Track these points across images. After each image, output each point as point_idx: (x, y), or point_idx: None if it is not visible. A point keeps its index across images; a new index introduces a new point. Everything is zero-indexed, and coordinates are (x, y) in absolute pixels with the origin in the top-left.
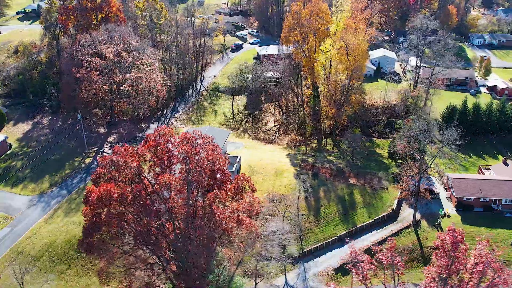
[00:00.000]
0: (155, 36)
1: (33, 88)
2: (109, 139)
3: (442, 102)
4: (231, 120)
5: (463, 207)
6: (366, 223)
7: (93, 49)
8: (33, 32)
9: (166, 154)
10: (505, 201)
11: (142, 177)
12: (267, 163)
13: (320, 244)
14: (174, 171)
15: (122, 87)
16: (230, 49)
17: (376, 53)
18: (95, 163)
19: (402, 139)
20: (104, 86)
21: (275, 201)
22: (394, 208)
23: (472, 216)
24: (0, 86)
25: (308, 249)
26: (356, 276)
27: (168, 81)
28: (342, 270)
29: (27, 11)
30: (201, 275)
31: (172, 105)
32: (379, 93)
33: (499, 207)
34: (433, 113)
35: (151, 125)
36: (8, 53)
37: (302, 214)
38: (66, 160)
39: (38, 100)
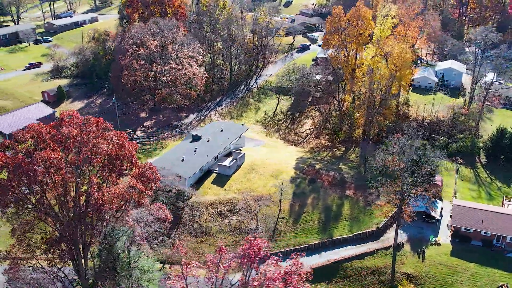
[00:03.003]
0: (212, 32)
1: (99, 72)
2: (145, 123)
3: (503, 123)
4: (269, 119)
5: (459, 238)
6: (343, 236)
7: (140, 39)
8: None
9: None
10: (511, 239)
11: (30, 152)
12: (270, 163)
13: (287, 249)
14: (72, 151)
15: (160, 77)
16: (296, 50)
17: (443, 64)
18: None
19: (381, 155)
20: (148, 75)
21: (247, 200)
22: (380, 226)
23: (466, 249)
24: (74, 67)
25: (275, 251)
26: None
27: (206, 75)
28: None
29: None
30: (71, 243)
31: (219, 98)
32: (425, 107)
33: (502, 244)
34: (484, 133)
35: (191, 115)
36: (87, 39)
37: (282, 218)
38: None
39: (101, 82)
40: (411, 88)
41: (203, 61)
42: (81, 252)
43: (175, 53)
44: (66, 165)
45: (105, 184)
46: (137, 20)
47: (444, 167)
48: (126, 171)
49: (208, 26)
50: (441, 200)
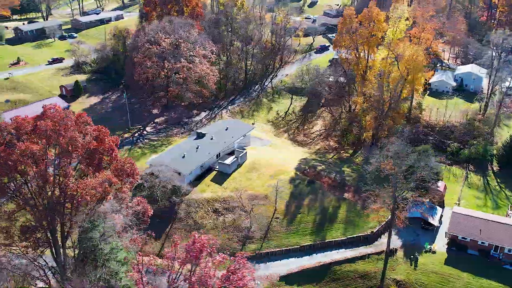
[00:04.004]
0: (229, 32)
1: (118, 68)
2: (156, 120)
3: None
4: (280, 119)
5: (456, 246)
6: (336, 239)
7: (153, 37)
8: None
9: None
10: (509, 250)
11: (12, 143)
12: (272, 163)
13: (278, 249)
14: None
15: (171, 74)
16: (315, 50)
17: (463, 68)
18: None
19: (375, 159)
20: (161, 72)
21: (240, 198)
22: (375, 231)
23: (461, 259)
24: (93, 63)
25: (266, 251)
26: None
27: (217, 73)
28: (288, 279)
29: None
30: (48, 232)
31: (233, 97)
32: (438, 111)
33: (500, 255)
34: (499, 140)
35: (202, 113)
36: (109, 36)
37: (276, 217)
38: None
39: (119, 79)
40: (428, 92)
41: (217, 59)
42: (60, 241)
43: (187, 51)
44: (46, 156)
45: (84, 176)
46: (155, 18)
47: (452, 174)
48: (106, 165)
49: (225, 25)
50: (443, 207)
